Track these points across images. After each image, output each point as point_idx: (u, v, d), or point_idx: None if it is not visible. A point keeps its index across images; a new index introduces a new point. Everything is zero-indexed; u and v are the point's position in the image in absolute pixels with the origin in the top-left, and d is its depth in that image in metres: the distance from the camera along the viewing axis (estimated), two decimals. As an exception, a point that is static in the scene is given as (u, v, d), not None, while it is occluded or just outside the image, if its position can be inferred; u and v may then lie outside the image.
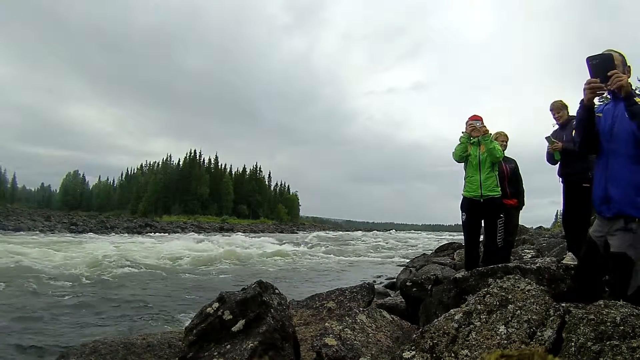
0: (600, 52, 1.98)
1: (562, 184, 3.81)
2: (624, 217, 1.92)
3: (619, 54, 2.07)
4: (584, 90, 1.98)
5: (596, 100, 2.22)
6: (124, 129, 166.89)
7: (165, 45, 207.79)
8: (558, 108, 3.85)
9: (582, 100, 2.03)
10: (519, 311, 1.69)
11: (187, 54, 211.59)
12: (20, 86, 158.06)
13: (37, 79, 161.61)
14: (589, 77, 1.95)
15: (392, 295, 5.30)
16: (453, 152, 3.89)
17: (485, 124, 3.78)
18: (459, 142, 3.84)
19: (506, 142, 4.41)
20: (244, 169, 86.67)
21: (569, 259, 3.53)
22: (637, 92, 2.10)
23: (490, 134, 3.75)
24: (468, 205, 3.81)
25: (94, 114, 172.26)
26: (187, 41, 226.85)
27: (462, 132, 3.84)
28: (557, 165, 3.79)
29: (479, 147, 3.79)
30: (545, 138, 3.77)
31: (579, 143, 2.24)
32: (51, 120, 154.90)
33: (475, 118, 3.82)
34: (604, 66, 1.90)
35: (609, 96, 2.10)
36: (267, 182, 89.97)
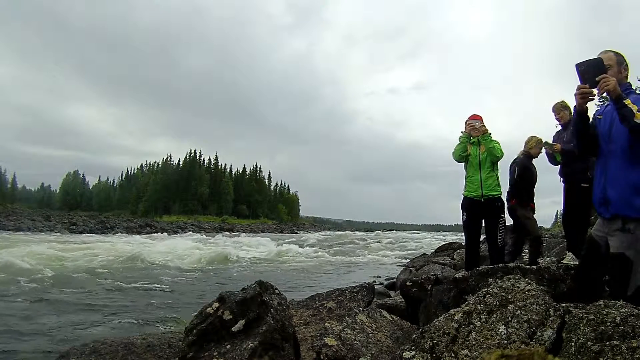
0: (590, 58, 2.00)
1: (563, 184, 3.83)
2: (622, 218, 1.94)
3: (615, 53, 2.07)
4: (575, 96, 2.00)
5: (597, 101, 2.24)
6: (124, 129, 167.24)
7: (166, 45, 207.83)
8: (558, 109, 3.86)
9: (575, 106, 2.05)
10: (519, 311, 1.69)
11: (187, 53, 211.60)
12: (20, 86, 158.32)
13: (37, 79, 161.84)
14: (579, 83, 1.97)
15: (392, 295, 5.30)
16: (453, 152, 3.88)
17: (484, 124, 3.78)
18: (459, 142, 3.84)
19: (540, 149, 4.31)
20: (244, 169, 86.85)
21: (569, 259, 3.53)
22: (637, 92, 2.10)
23: (490, 134, 3.75)
24: (469, 205, 3.80)
25: (94, 114, 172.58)
26: (187, 41, 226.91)
27: (462, 132, 3.84)
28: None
29: (479, 146, 3.78)
30: (543, 143, 3.80)
31: (577, 146, 2.26)
32: (51, 120, 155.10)
33: (475, 118, 3.82)
34: (592, 71, 1.92)
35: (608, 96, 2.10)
36: (267, 182, 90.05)
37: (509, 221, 4.18)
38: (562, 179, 3.82)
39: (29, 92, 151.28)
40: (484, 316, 1.74)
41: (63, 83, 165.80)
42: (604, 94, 2.04)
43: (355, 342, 2.19)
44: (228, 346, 1.94)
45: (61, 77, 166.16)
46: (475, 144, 3.80)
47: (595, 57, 2.02)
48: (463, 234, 4.00)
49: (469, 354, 1.58)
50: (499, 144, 3.80)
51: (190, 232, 29.01)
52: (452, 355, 1.61)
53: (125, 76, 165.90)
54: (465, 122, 3.83)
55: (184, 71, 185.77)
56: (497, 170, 3.83)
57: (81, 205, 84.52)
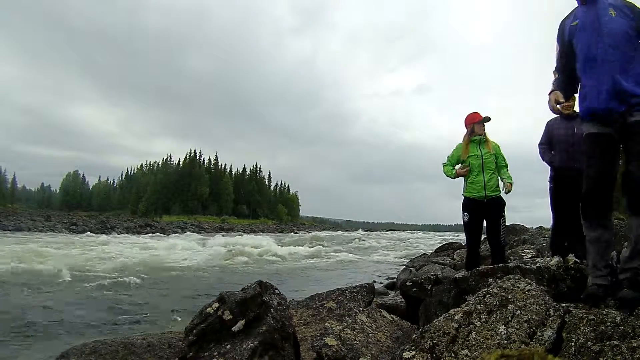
0: None
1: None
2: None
3: None
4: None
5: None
6: (125, 129, 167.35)
7: (168, 46, 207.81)
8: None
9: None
10: (519, 311, 1.69)
11: (190, 54, 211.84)
12: (21, 86, 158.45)
13: (39, 79, 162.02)
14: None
15: (392, 295, 5.31)
16: (443, 170, 3.95)
17: (486, 132, 3.81)
18: (445, 165, 3.93)
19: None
20: (244, 169, 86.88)
21: (570, 258, 3.53)
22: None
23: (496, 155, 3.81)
24: (471, 205, 3.79)
25: (95, 114, 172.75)
26: (190, 42, 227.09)
27: (447, 157, 3.92)
28: None
29: (479, 146, 3.78)
30: None
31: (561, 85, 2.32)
32: (52, 120, 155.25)
33: (475, 117, 3.81)
34: None
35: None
36: (267, 182, 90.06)
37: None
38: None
39: (30, 92, 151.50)
40: (484, 316, 1.74)
41: (64, 83, 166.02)
42: None
43: (355, 342, 2.19)
44: (228, 346, 1.94)
45: (63, 77, 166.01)
46: (476, 142, 3.79)
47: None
48: (463, 234, 4.00)
49: (469, 354, 1.58)
50: (500, 147, 3.85)
51: (190, 232, 28.97)
52: (452, 355, 1.61)
53: (126, 77, 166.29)
54: (467, 124, 3.83)
55: (186, 72, 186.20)
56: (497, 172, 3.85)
57: (81, 205, 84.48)
